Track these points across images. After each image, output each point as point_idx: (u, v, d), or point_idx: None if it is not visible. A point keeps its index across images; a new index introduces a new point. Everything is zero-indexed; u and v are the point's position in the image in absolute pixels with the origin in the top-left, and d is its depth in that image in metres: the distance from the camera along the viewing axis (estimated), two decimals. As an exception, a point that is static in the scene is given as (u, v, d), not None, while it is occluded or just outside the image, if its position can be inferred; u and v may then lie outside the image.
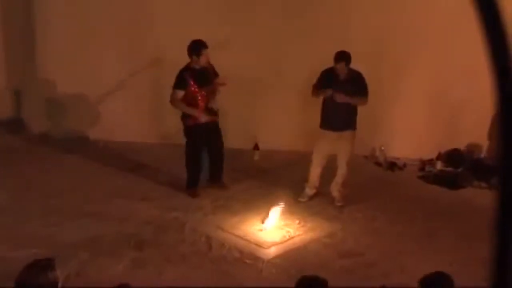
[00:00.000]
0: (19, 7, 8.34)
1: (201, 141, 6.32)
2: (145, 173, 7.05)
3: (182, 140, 7.77)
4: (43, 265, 3.06)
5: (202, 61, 5.98)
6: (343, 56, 5.82)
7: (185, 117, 6.23)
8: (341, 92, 5.84)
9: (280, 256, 5.11)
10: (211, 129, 6.27)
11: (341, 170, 6.12)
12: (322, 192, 6.27)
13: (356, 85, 5.91)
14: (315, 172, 6.20)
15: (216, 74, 6.21)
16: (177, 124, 8.21)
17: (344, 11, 7.51)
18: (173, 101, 6.14)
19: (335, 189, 6.17)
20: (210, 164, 6.51)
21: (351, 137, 6.07)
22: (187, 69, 6.05)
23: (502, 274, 0.76)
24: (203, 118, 6.10)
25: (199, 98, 6.09)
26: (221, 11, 7.66)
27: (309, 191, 6.28)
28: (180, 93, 6.05)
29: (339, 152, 6.10)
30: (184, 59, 7.86)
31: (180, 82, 6.03)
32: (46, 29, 8.09)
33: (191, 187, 6.42)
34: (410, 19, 7.37)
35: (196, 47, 5.95)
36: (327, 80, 5.95)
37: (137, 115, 8.30)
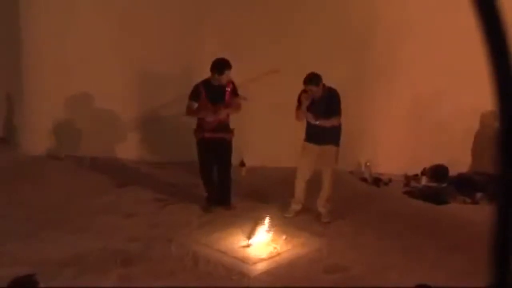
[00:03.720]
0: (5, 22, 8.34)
1: (209, 156, 6.32)
2: (131, 190, 7.03)
3: (168, 157, 7.78)
4: (26, 281, 3.04)
5: (223, 80, 6.07)
6: (311, 80, 5.86)
7: (195, 130, 6.32)
8: (316, 110, 5.91)
9: (266, 272, 5.10)
10: (220, 145, 6.29)
11: (325, 186, 6.15)
12: (308, 208, 6.29)
13: (330, 104, 5.95)
14: (299, 187, 6.23)
15: (236, 94, 6.24)
16: (163, 141, 8.25)
17: (329, 30, 7.60)
18: (186, 110, 6.25)
19: (320, 205, 6.20)
20: (218, 183, 6.49)
21: (333, 152, 6.08)
22: (204, 82, 6.15)
23: (502, 275, 0.77)
24: (210, 117, 6.13)
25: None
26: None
27: (295, 206, 6.30)
28: (194, 104, 6.15)
29: (322, 167, 6.14)
30: (167, 74, 7.89)
31: (194, 93, 6.15)
32: (34, 47, 8.10)
33: (206, 201, 6.48)
34: (395, 37, 7.47)
35: (220, 66, 6.02)
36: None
37: (124, 132, 8.30)
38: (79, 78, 8.05)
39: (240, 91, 6.29)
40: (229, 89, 6.18)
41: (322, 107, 5.92)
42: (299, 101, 6.01)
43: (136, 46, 7.90)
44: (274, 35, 7.65)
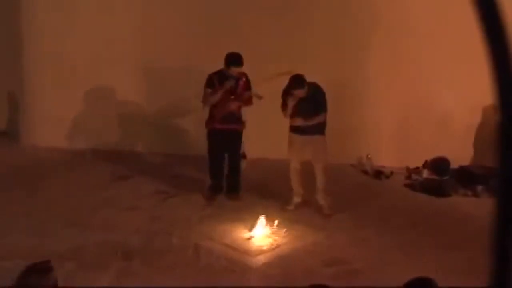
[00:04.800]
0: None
1: (219, 147, 6.38)
2: (132, 182, 7.02)
3: (170, 149, 7.73)
4: (43, 268, 3.07)
5: (230, 74, 6.12)
6: (298, 84, 5.84)
7: (207, 121, 6.38)
8: (303, 109, 5.89)
9: (267, 264, 5.12)
10: (230, 137, 6.35)
11: (320, 178, 6.12)
12: (309, 201, 6.28)
13: (316, 102, 5.93)
14: (295, 180, 6.24)
15: (249, 87, 6.28)
16: (165, 132, 8.25)
17: (331, 16, 7.58)
18: (203, 99, 6.30)
19: (320, 198, 6.19)
20: (226, 174, 6.57)
21: (321, 142, 6.06)
22: (217, 73, 6.20)
23: (502, 276, 0.77)
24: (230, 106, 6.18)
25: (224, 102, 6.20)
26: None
27: (296, 199, 6.30)
28: (209, 91, 6.19)
29: (313, 160, 6.13)
30: (171, 68, 7.87)
31: (209, 83, 6.21)
32: (36, 40, 8.09)
33: (208, 189, 6.53)
34: (396, 31, 7.45)
35: (230, 62, 6.08)
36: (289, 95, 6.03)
37: (123, 124, 8.30)
38: (81, 70, 8.04)
39: (254, 89, 6.33)
40: (242, 82, 6.20)
41: (309, 105, 5.91)
42: (284, 100, 6.00)
43: (140, 40, 7.87)
44: (277, 30, 7.63)
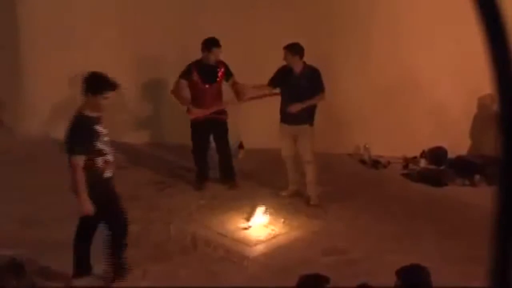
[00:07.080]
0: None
1: (203, 137, 6.43)
2: (129, 173, 7.01)
3: (167, 139, 7.71)
4: (17, 267, 3.01)
5: (211, 58, 6.16)
6: (289, 45, 5.85)
7: (188, 111, 6.39)
8: (295, 88, 5.89)
9: (265, 254, 5.14)
10: (214, 126, 6.38)
11: (308, 170, 6.09)
12: (306, 191, 6.28)
13: (312, 81, 5.91)
14: (289, 167, 6.25)
15: (230, 75, 6.33)
16: (162, 123, 8.24)
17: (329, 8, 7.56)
18: (173, 89, 6.34)
19: (310, 190, 6.17)
20: (219, 163, 6.61)
21: (308, 133, 6.01)
22: (196, 62, 6.24)
23: (502, 274, 0.77)
24: (193, 113, 6.24)
25: (205, 93, 6.23)
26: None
27: (291, 186, 6.31)
28: (183, 83, 6.23)
29: (301, 150, 6.11)
30: (165, 54, 7.80)
31: (185, 72, 6.24)
32: (31, 27, 8.05)
33: (196, 180, 6.58)
34: (393, 19, 7.43)
35: (208, 44, 6.15)
36: (282, 75, 6.02)
37: (122, 114, 8.27)
38: (75, 61, 7.99)
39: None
40: (221, 70, 6.26)
41: (303, 85, 5.88)
42: (274, 75, 6.06)
43: (132, 32, 7.84)
44: (271, 15, 7.60)
